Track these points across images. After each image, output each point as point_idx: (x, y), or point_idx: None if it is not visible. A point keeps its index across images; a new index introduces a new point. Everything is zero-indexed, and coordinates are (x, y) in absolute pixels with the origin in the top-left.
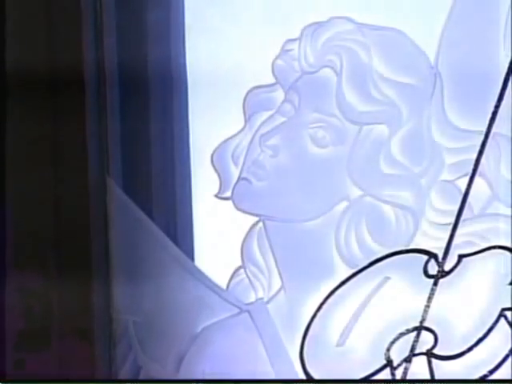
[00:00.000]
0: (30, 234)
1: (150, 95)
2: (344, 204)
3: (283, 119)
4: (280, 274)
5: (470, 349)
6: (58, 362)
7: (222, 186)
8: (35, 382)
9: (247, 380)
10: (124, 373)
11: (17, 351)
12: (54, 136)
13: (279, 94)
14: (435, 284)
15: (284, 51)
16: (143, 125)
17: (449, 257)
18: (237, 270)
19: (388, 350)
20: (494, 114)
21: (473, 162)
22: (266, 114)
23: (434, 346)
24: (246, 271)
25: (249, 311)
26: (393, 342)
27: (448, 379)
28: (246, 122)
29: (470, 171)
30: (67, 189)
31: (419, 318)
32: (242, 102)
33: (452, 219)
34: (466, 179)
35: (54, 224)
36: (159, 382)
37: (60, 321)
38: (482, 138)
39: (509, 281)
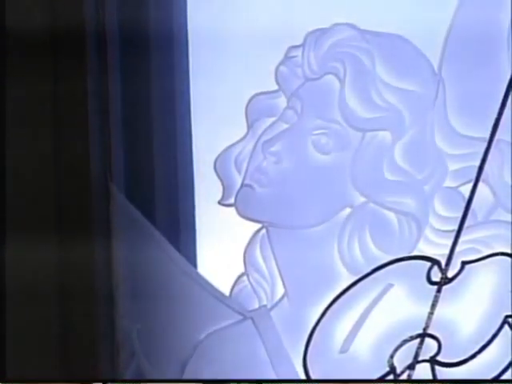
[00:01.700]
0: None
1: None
2: (347, 211)
3: (286, 126)
4: (283, 280)
5: (473, 356)
6: (59, 367)
7: (225, 193)
8: (35, 382)
9: (247, 380)
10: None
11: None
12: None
13: (282, 101)
14: (438, 291)
15: (287, 58)
16: (146, 127)
17: (452, 264)
18: (240, 276)
19: (391, 357)
20: (497, 120)
21: (476, 168)
22: (268, 121)
23: (437, 353)
24: (248, 278)
25: (252, 318)
26: (396, 349)
27: (447, 379)
28: (248, 128)
29: (474, 178)
30: (68, 188)
31: (422, 325)
32: (244, 108)
33: (455, 226)
34: (470, 186)
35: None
36: (159, 382)
37: (63, 325)
38: (485, 144)
39: None
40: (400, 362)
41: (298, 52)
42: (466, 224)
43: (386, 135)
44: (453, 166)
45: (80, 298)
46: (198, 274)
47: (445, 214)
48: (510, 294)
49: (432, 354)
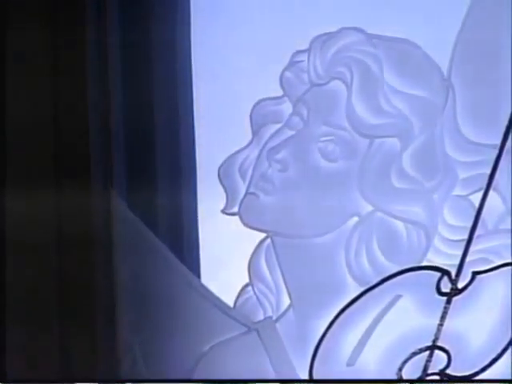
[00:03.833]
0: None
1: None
2: (354, 219)
3: (292, 132)
4: (289, 291)
5: (483, 369)
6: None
7: (229, 201)
8: (36, 383)
9: (247, 380)
10: None
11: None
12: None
13: (287, 107)
14: (448, 302)
15: (292, 63)
16: (148, 135)
17: (462, 274)
18: (244, 287)
19: (400, 369)
20: (508, 127)
21: (487, 176)
22: (273, 127)
23: (447, 366)
24: (253, 289)
25: (257, 330)
26: (405, 362)
27: (447, 379)
28: (253, 135)
29: (484, 186)
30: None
31: (432, 337)
32: (249, 114)
33: (465, 235)
34: (480, 194)
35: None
36: (160, 382)
37: (62, 331)
38: (495, 152)
39: None
40: (409, 375)
41: (304, 57)
42: (476, 233)
43: (394, 142)
44: (463, 174)
45: (81, 317)
46: (201, 285)
47: (454, 223)
48: None
49: (442, 366)
